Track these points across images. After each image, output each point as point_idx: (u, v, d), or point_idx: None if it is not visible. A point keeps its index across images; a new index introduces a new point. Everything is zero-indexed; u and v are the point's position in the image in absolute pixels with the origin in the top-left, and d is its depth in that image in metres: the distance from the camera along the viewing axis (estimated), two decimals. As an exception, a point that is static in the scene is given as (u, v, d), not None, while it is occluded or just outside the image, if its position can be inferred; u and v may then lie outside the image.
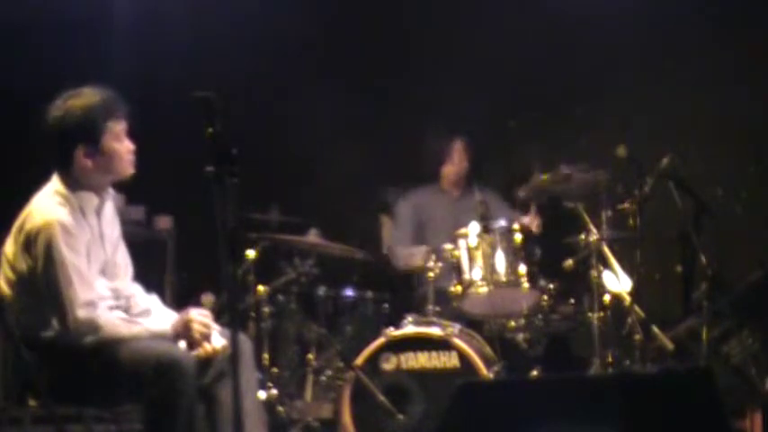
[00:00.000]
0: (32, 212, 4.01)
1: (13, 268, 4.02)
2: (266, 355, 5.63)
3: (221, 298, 5.35)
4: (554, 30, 6.64)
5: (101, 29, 6.73)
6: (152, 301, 4.33)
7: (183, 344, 4.06)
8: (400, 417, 5.28)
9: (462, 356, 5.33)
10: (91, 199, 4.11)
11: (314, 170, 6.83)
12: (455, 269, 5.68)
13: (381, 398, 5.27)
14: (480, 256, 5.62)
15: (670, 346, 5.19)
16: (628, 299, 5.27)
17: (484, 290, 5.60)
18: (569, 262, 5.59)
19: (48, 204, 4.01)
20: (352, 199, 6.82)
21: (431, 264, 5.72)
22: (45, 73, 5.72)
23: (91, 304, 3.95)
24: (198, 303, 5.27)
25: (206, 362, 4.09)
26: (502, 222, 5.72)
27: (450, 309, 5.73)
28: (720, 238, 5.84)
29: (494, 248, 5.63)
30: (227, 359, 3.99)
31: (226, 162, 3.34)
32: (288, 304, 5.80)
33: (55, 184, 4.08)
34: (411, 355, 5.39)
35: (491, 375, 5.34)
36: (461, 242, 5.67)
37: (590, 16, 6.44)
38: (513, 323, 5.83)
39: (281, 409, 5.58)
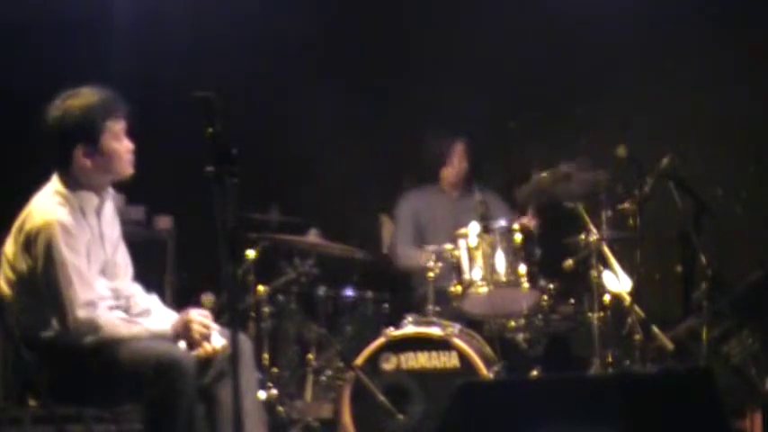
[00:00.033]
0: (32, 212, 4.01)
1: (13, 268, 4.02)
2: (266, 355, 5.63)
3: (221, 298, 5.35)
4: (554, 30, 6.63)
5: (101, 29, 6.73)
6: (152, 301, 4.33)
7: (182, 344, 4.06)
8: (400, 417, 5.28)
9: (462, 356, 5.33)
10: (91, 199, 4.12)
11: (314, 170, 6.83)
12: (455, 269, 5.68)
13: (381, 398, 5.27)
14: (480, 256, 5.61)
15: (670, 346, 5.18)
16: (628, 299, 5.27)
17: (484, 290, 5.59)
18: (569, 262, 5.59)
19: (48, 204, 4.01)
20: (352, 199, 6.82)
21: (431, 264, 5.72)
22: (45, 73, 5.72)
23: (91, 304, 3.95)
24: (198, 303, 5.26)
25: (206, 362, 4.09)
26: (502, 222, 5.72)
27: (450, 309, 5.72)
28: (720, 238, 5.84)
29: (494, 248, 5.62)
30: (227, 359, 3.99)
31: (226, 162, 3.34)
32: (288, 304, 5.80)
33: (55, 184, 4.08)
34: (411, 355, 5.39)
35: (491, 375, 5.34)
36: (461, 242, 5.66)
37: (590, 16, 6.43)
38: (513, 323, 5.83)
39: (281, 409, 5.58)
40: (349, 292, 6.00)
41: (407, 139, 6.65)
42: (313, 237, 5.80)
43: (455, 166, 6.51)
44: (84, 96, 4.07)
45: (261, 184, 5.20)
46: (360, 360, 5.39)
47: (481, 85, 6.69)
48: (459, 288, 5.64)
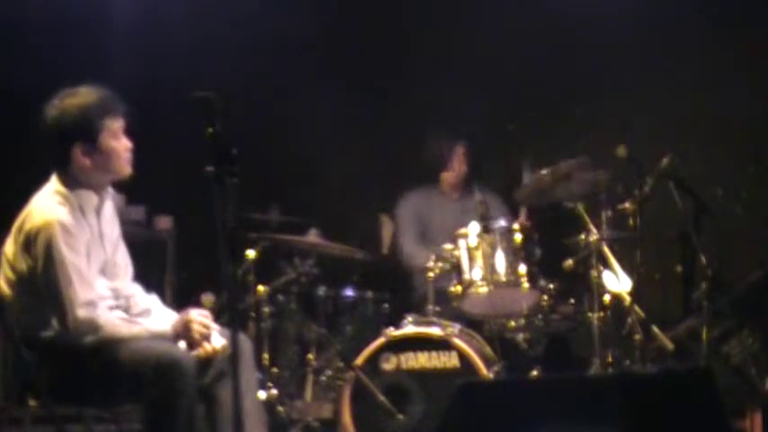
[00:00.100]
0: (32, 212, 4.01)
1: (13, 268, 4.02)
2: (266, 355, 5.62)
3: (221, 298, 5.34)
4: (554, 30, 6.63)
5: (101, 29, 6.72)
6: (152, 301, 4.33)
7: (182, 344, 4.06)
8: (400, 417, 5.28)
9: (462, 356, 5.33)
10: (90, 198, 4.12)
11: (314, 170, 6.82)
12: (455, 269, 5.68)
13: (381, 398, 5.26)
14: (480, 256, 5.61)
15: (670, 346, 5.18)
16: (628, 299, 5.26)
17: (484, 290, 5.59)
18: (569, 262, 5.58)
19: (47, 204, 4.01)
20: (352, 199, 6.82)
21: (431, 264, 5.72)
22: (45, 73, 5.71)
23: (91, 304, 3.95)
24: (198, 303, 5.26)
25: (206, 362, 4.09)
26: (502, 222, 5.72)
27: (450, 309, 5.72)
28: (720, 238, 5.83)
29: (494, 248, 5.62)
30: (227, 359, 3.99)
31: (226, 162, 3.34)
32: (288, 304, 5.80)
33: (54, 184, 4.08)
34: (411, 355, 5.39)
35: (491, 375, 5.33)
36: (461, 242, 5.66)
37: (590, 16, 6.43)
38: (513, 323, 5.82)
39: (281, 409, 5.58)
40: (349, 292, 6.00)
41: (407, 139, 6.65)
42: (313, 237, 5.80)
43: (455, 170, 6.51)
44: (82, 95, 4.08)
45: (261, 184, 5.19)
46: (360, 360, 5.39)
47: (481, 85, 6.68)
48: (459, 288, 5.64)
